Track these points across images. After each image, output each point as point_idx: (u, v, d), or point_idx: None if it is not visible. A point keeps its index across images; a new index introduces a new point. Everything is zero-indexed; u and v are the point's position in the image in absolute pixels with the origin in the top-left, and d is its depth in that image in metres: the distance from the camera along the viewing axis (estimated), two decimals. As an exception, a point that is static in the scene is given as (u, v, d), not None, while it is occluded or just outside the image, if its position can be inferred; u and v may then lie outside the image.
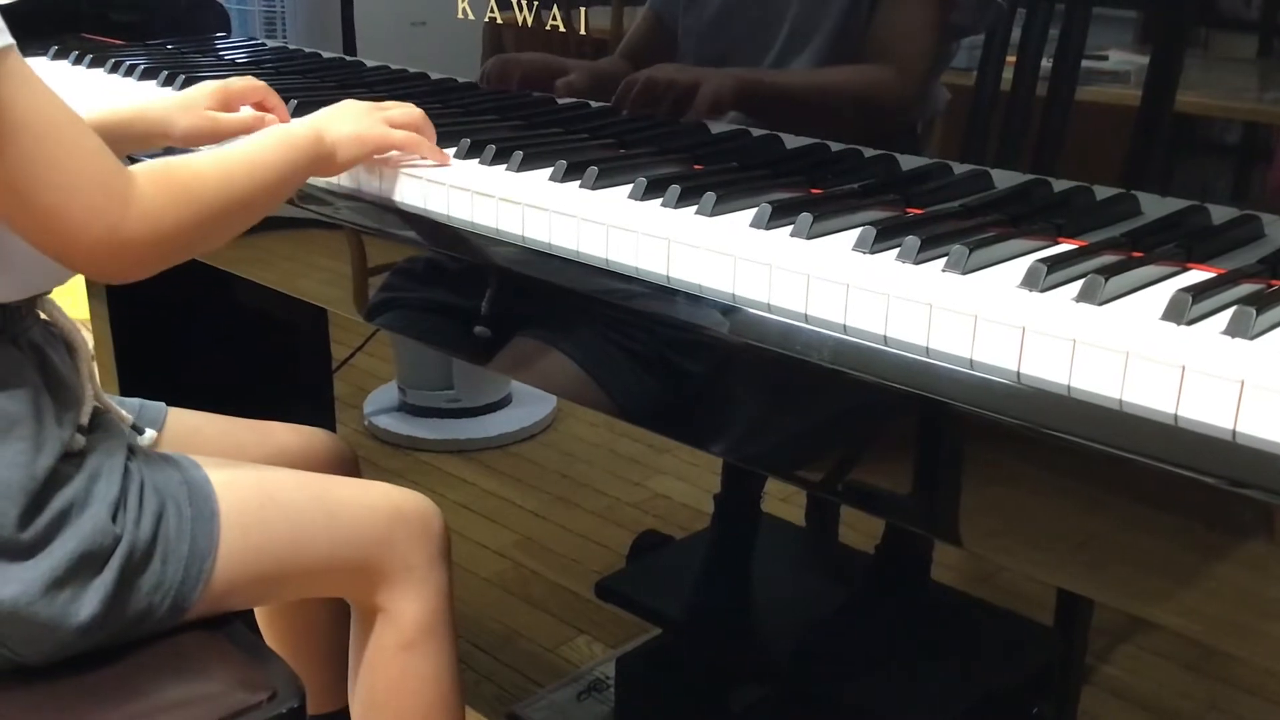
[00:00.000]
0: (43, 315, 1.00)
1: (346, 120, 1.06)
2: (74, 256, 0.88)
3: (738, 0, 1.10)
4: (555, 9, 1.23)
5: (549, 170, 1.04)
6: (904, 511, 0.82)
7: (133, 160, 1.18)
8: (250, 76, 1.26)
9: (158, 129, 1.19)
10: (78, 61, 1.65)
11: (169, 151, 1.21)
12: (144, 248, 0.89)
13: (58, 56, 1.70)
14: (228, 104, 1.22)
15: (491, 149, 1.09)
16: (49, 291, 1.01)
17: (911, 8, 1.03)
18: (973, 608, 1.63)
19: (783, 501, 1.81)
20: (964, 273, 0.79)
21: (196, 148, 1.20)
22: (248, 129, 1.20)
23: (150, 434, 1.09)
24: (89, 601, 0.91)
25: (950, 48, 1.00)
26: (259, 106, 1.26)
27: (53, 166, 0.83)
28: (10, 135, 0.81)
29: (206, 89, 1.22)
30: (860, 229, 0.85)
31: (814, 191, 0.99)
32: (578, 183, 1.01)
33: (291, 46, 1.62)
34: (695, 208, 0.93)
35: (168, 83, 1.48)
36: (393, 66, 1.47)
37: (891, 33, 1.03)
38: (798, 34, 1.06)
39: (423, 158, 1.08)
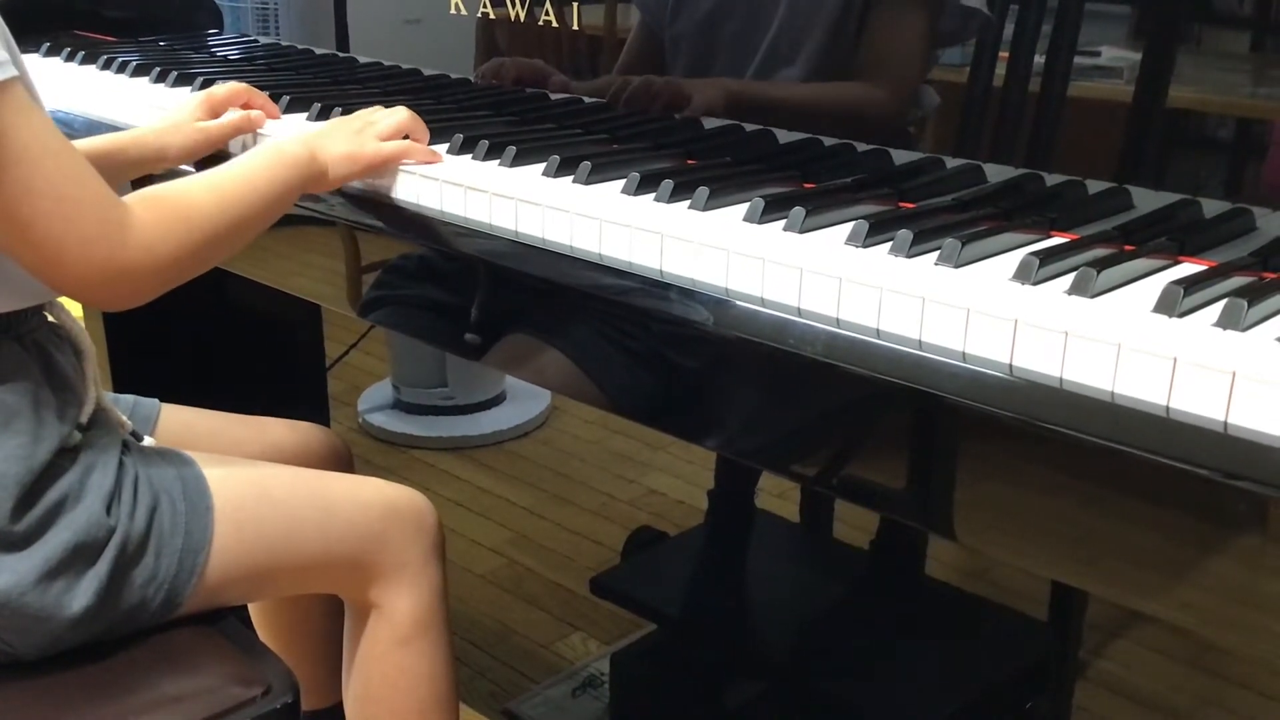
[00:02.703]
0: (50, 318, 1.00)
1: (339, 139, 1.07)
2: (71, 285, 0.89)
3: (723, 10, 1.10)
4: (548, 4, 1.22)
5: (542, 165, 1.04)
6: (897, 505, 0.82)
7: (135, 186, 1.19)
8: (232, 81, 1.27)
9: (152, 153, 1.19)
10: (70, 58, 1.65)
11: (167, 175, 1.21)
12: (140, 276, 0.90)
13: (50, 53, 1.69)
14: (214, 113, 1.22)
15: (484, 144, 1.09)
16: (55, 298, 1.01)
17: (898, 20, 1.03)
18: (967, 603, 1.63)
19: (777, 498, 1.81)
20: (956, 266, 0.79)
21: (193, 163, 1.20)
22: (239, 130, 1.20)
23: (149, 441, 1.08)
24: (82, 593, 0.91)
25: (941, 57, 1.00)
26: (245, 109, 1.25)
27: (50, 197, 0.83)
28: (10, 165, 0.82)
29: (192, 103, 1.22)
30: (853, 223, 0.85)
31: (807, 186, 0.99)
32: (571, 178, 1.01)
33: (284, 43, 1.62)
34: (688, 202, 0.93)
35: (160, 79, 1.48)
36: (386, 63, 1.47)
37: (880, 46, 1.03)
38: (782, 46, 1.06)
39: (417, 162, 1.08)
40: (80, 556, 0.91)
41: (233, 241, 0.98)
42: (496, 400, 2.68)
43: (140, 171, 1.20)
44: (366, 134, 1.08)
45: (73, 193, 0.85)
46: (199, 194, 0.96)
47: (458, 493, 2.36)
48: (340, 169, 1.06)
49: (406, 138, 1.10)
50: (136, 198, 0.90)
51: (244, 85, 1.25)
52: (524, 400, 2.68)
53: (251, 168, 1.01)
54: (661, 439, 2.30)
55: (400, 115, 1.10)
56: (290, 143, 1.05)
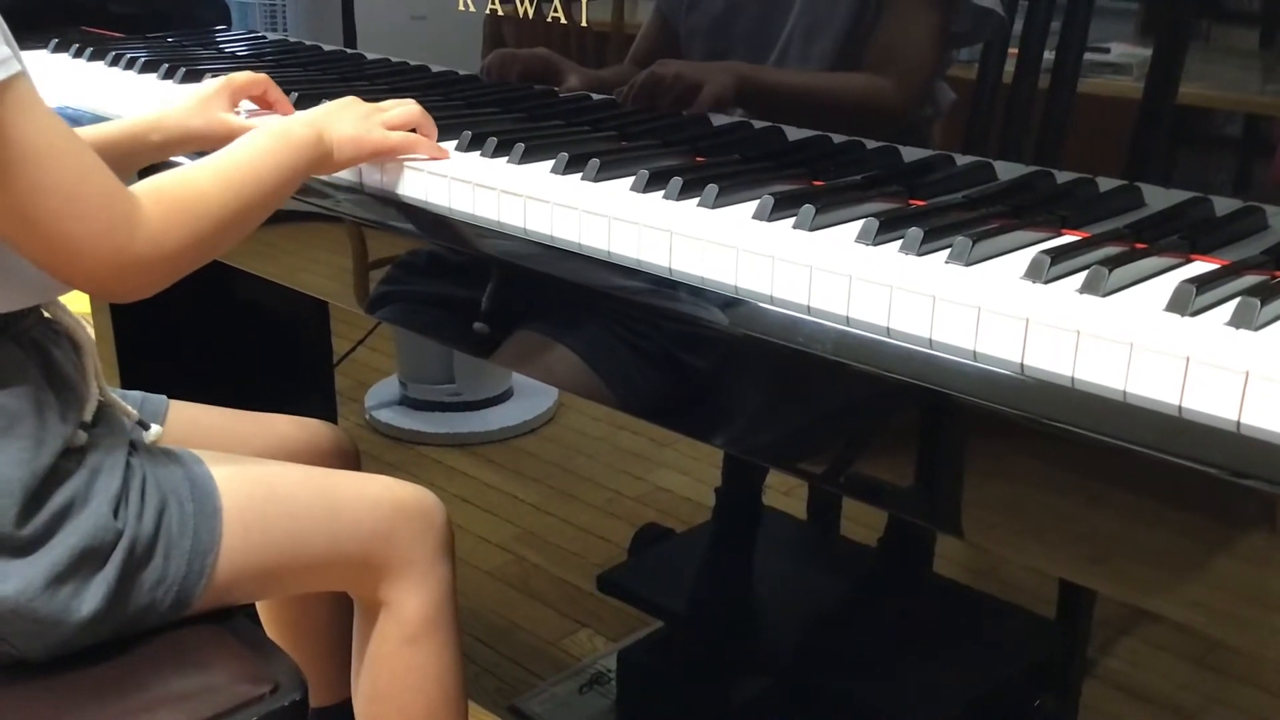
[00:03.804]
0: (46, 314, 1.00)
1: (346, 121, 1.06)
2: (81, 280, 0.89)
3: (741, 3, 1.10)
4: (556, 1, 1.22)
5: (551, 162, 1.04)
6: (906, 504, 0.82)
7: (151, 170, 1.18)
8: (249, 72, 1.26)
9: (175, 136, 1.19)
10: (78, 54, 1.65)
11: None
12: (150, 269, 0.89)
13: (58, 49, 1.70)
14: (234, 99, 1.22)
15: (493, 141, 1.09)
16: (56, 298, 1.01)
17: (916, 18, 1.03)
18: (975, 601, 1.63)
19: (784, 495, 1.80)
20: (967, 264, 0.79)
21: (209, 150, 1.20)
22: None
23: (156, 430, 1.08)
24: (91, 597, 0.91)
25: (954, 55, 1.00)
26: (261, 98, 1.26)
27: (59, 194, 0.83)
28: (18, 163, 0.81)
29: (213, 88, 1.21)
30: (863, 221, 0.85)
31: (816, 183, 0.99)
32: (579, 175, 1.01)
33: (292, 39, 1.62)
34: (697, 200, 0.93)
35: (168, 76, 1.48)
36: (393, 59, 1.46)
37: (895, 43, 1.02)
38: (800, 39, 1.06)
39: (424, 156, 1.07)
40: (88, 560, 0.91)
41: (241, 228, 0.98)
42: (504, 396, 2.68)
43: (163, 156, 1.20)
44: (374, 119, 1.07)
45: (81, 189, 0.84)
46: (206, 183, 0.95)
47: (464, 489, 2.36)
48: (346, 152, 1.06)
49: (414, 132, 1.10)
50: (144, 189, 0.90)
51: (263, 75, 1.25)
52: (531, 396, 2.67)
53: (258, 151, 1.00)
54: (669, 436, 2.29)
55: (409, 107, 1.10)
56: (297, 123, 1.05)
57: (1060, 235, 0.85)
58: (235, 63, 1.58)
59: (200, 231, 0.92)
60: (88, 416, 0.97)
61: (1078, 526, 0.72)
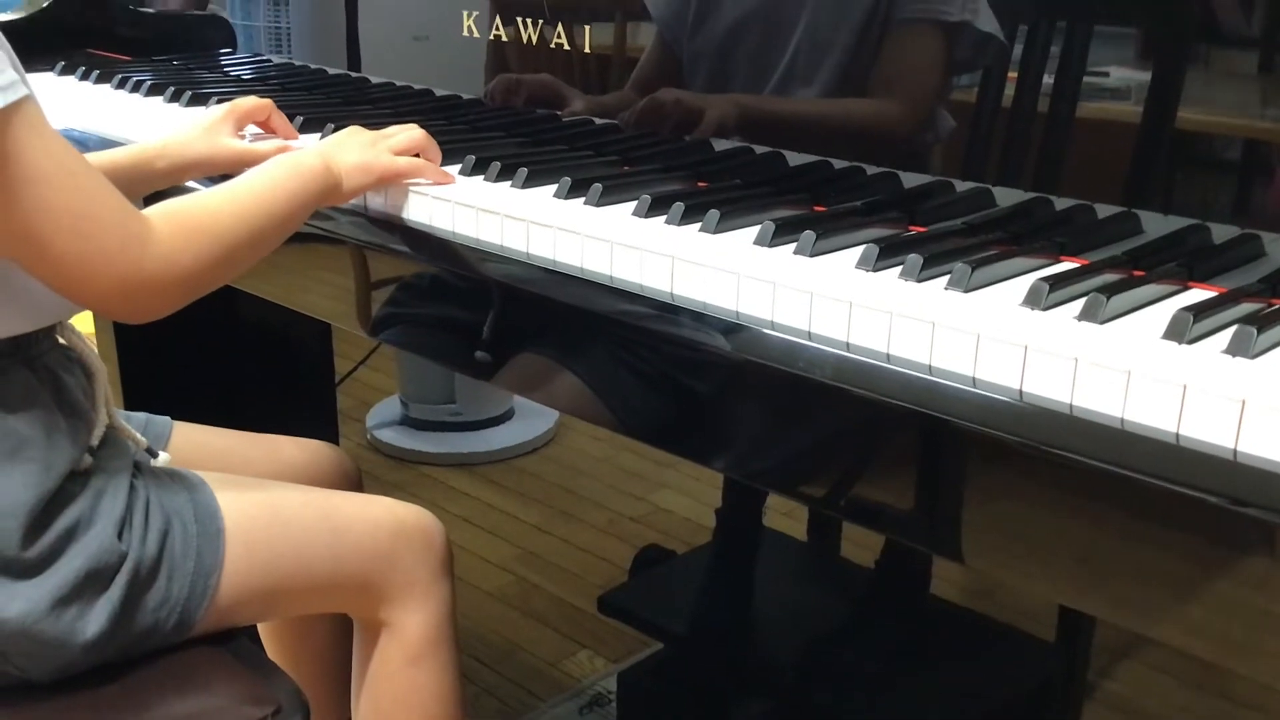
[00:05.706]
0: (61, 340, 1.00)
1: (352, 149, 1.07)
2: (94, 300, 0.89)
3: (743, 29, 1.11)
4: (559, 26, 1.23)
5: (554, 187, 1.04)
6: (905, 528, 0.82)
7: (157, 197, 1.19)
8: (253, 96, 1.27)
9: (180, 162, 1.19)
10: (84, 77, 1.66)
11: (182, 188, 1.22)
12: (162, 288, 0.89)
13: (64, 72, 1.71)
14: (240, 124, 1.23)
15: (496, 166, 1.09)
16: (67, 319, 1.01)
17: (918, 44, 1.04)
18: (974, 623, 1.63)
19: (784, 516, 1.81)
20: (966, 291, 0.79)
21: (215, 175, 1.21)
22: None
23: (165, 457, 1.08)
24: (95, 619, 0.91)
25: (955, 81, 1.01)
26: (266, 123, 1.26)
27: (69, 213, 0.83)
28: (28, 184, 0.81)
29: (218, 113, 1.22)
30: (863, 247, 0.85)
31: (817, 209, 0.99)
32: (582, 200, 1.01)
33: (297, 63, 1.63)
34: (699, 225, 0.94)
35: (174, 99, 1.49)
36: (397, 83, 1.47)
37: (897, 69, 1.03)
38: (802, 65, 1.06)
39: (430, 181, 1.08)
40: (93, 582, 0.91)
41: (252, 253, 0.99)
42: (505, 417, 2.69)
43: (169, 182, 1.21)
44: (380, 146, 1.08)
45: (92, 209, 0.85)
46: (218, 207, 0.96)
47: (466, 509, 2.36)
48: (354, 180, 1.06)
49: (419, 156, 1.11)
50: (156, 211, 0.91)
51: (267, 100, 1.26)
52: (532, 417, 2.68)
53: (269, 180, 1.01)
54: (669, 457, 2.30)
55: (413, 132, 1.11)
56: (305, 155, 1.06)
57: (1059, 262, 0.86)
58: (240, 86, 1.59)
59: (213, 253, 0.92)
60: (95, 442, 0.97)
61: (1076, 552, 0.72)
